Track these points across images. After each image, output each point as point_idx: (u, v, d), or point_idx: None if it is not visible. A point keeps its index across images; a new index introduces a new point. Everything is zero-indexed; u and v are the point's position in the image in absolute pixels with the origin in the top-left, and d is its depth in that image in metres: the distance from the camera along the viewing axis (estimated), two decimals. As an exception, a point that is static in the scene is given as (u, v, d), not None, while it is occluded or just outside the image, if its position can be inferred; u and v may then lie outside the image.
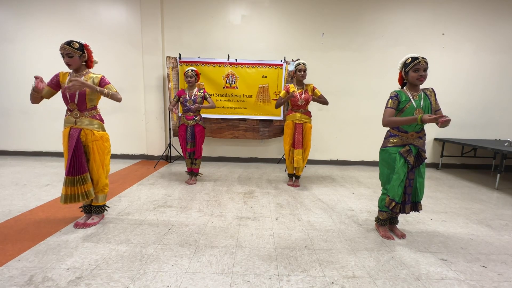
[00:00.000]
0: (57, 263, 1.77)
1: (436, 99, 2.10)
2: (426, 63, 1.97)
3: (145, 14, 4.57)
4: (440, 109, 2.11)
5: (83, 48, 2.12)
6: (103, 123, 2.30)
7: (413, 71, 1.99)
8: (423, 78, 1.98)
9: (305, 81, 3.48)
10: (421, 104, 2.03)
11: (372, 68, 4.75)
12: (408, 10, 4.63)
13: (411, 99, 2.03)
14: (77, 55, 2.08)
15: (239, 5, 4.65)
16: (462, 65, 4.73)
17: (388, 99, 2.08)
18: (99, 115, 2.28)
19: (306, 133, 3.42)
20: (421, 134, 2.11)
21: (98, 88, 2.08)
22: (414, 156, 2.07)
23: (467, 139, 4.81)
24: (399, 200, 2.11)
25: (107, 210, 2.46)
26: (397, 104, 2.06)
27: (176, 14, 4.67)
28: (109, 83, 2.23)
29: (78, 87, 1.96)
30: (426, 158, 2.13)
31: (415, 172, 2.12)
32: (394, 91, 2.09)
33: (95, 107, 2.25)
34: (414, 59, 1.98)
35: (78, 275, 1.65)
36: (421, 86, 2.20)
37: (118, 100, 2.22)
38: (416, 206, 2.19)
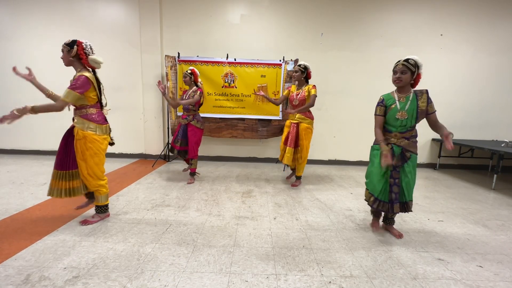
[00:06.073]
0: (54, 262, 1.76)
1: (428, 102, 2.03)
2: (407, 66, 1.99)
3: (144, 12, 4.56)
4: (435, 111, 2.05)
5: (73, 44, 2.08)
6: (95, 122, 2.19)
7: (393, 73, 2.08)
8: (397, 80, 2.04)
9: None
10: (406, 106, 2.05)
11: (370, 68, 4.76)
12: (407, 11, 4.64)
13: (396, 102, 2.09)
14: (66, 50, 2.09)
15: (238, 4, 4.65)
16: (460, 66, 4.75)
17: (376, 106, 2.16)
18: (91, 114, 2.18)
19: (301, 133, 3.35)
20: (407, 135, 2.10)
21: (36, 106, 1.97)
22: (396, 156, 2.09)
23: (465, 139, 4.83)
24: (378, 195, 2.16)
25: (107, 212, 2.44)
26: (383, 110, 2.13)
27: (175, 13, 4.66)
28: (73, 87, 2.02)
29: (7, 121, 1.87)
30: (409, 158, 2.10)
31: (400, 172, 2.13)
32: (382, 95, 2.17)
33: (85, 106, 2.16)
34: (397, 61, 2.06)
35: (75, 274, 1.65)
36: (417, 87, 2.19)
37: (55, 110, 2.01)
38: (405, 206, 2.17)
